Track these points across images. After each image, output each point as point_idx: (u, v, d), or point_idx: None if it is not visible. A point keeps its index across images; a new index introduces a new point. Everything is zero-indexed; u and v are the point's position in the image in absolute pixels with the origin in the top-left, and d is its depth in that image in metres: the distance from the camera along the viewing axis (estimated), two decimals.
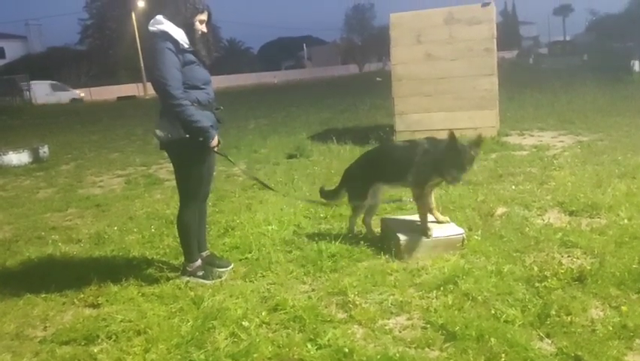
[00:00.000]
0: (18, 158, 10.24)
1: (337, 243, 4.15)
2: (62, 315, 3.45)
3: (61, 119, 23.21)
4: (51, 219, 6.03)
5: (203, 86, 3.63)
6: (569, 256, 3.75)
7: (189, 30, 3.56)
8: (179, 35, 3.50)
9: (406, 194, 5.46)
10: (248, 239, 4.51)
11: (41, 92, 37.94)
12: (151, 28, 3.53)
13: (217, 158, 3.94)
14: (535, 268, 3.48)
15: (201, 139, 3.52)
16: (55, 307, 3.55)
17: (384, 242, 4.17)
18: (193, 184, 3.76)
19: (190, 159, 3.66)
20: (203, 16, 3.63)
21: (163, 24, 3.49)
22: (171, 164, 3.87)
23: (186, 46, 3.52)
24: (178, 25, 3.51)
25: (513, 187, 5.66)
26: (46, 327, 3.32)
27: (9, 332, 3.27)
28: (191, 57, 3.55)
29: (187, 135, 3.49)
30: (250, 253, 4.20)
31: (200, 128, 3.49)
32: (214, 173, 3.92)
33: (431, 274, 3.56)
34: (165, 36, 3.46)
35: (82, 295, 3.63)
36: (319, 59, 72.28)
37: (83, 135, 15.31)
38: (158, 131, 3.58)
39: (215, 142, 3.61)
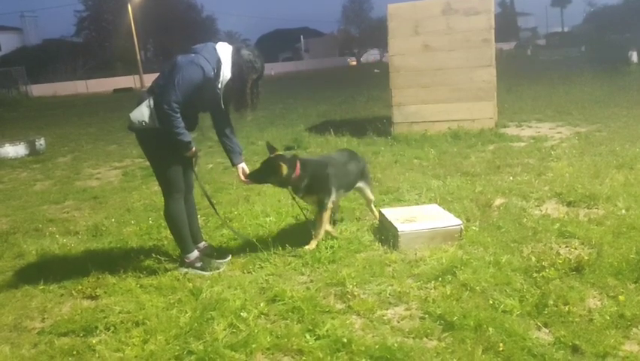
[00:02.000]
0: (15, 150, 10.22)
1: (335, 234, 4.15)
2: (60, 307, 3.45)
3: (57, 111, 23.12)
4: (48, 211, 6.02)
5: (188, 118, 3.64)
6: (566, 247, 3.76)
7: (241, 82, 3.59)
8: (226, 73, 3.56)
9: (405, 186, 5.47)
10: (246, 230, 4.51)
11: None
12: (218, 47, 3.58)
13: (201, 150, 3.94)
14: (533, 259, 3.49)
15: (180, 148, 3.59)
16: (53, 299, 3.55)
17: (382, 233, 4.18)
18: (171, 175, 3.73)
19: (162, 149, 3.63)
20: (254, 76, 3.67)
21: (223, 55, 3.56)
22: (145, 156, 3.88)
23: (219, 86, 3.58)
24: (232, 69, 3.57)
25: (511, 178, 5.66)
26: (44, 319, 3.32)
27: (7, 324, 3.27)
28: (210, 95, 3.59)
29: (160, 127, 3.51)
30: (248, 244, 4.20)
31: (181, 141, 3.53)
32: (196, 164, 3.91)
33: (429, 265, 3.56)
34: (216, 63, 3.51)
35: (80, 287, 3.63)
36: (317, 50, 72.06)
37: (79, 127, 15.26)
38: (133, 117, 3.57)
39: (192, 152, 3.67)
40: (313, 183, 4.00)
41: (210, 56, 3.51)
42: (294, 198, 4.19)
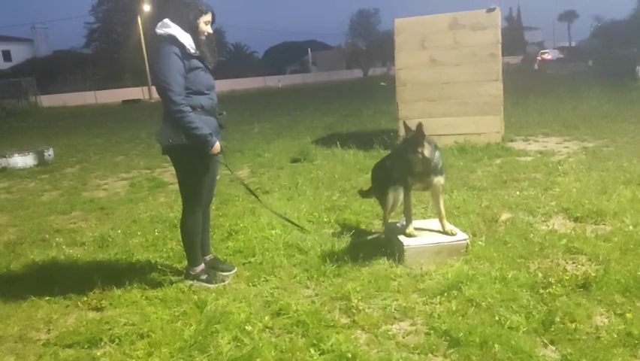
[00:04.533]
0: (23, 160, 10.28)
1: (341, 247, 4.15)
2: (66, 318, 3.46)
3: (66, 122, 23.31)
4: (55, 221, 6.04)
5: (207, 92, 3.62)
6: (573, 263, 3.74)
7: (194, 32, 3.55)
8: (186, 40, 3.50)
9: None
10: (251, 243, 4.51)
11: None
12: (158, 31, 3.53)
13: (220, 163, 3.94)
14: (540, 275, 3.47)
15: (201, 146, 3.52)
16: (58, 310, 3.55)
17: (387, 247, 4.17)
18: (196, 190, 3.75)
19: (191, 164, 3.65)
20: (207, 17, 3.62)
21: (170, 27, 3.49)
22: (174, 168, 3.87)
23: (192, 51, 3.52)
24: (184, 28, 3.51)
25: (517, 193, 5.64)
26: (49, 330, 3.32)
27: (12, 335, 3.27)
28: (196, 62, 3.55)
29: (187, 141, 3.49)
30: (254, 257, 4.20)
31: (199, 135, 3.47)
32: (217, 177, 3.92)
33: (435, 280, 3.55)
34: (172, 40, 3.46)
35: (85, 298, 3.63)
36: (324, 63, 72.42)
37: (87, 138, 15.36)
38: (159, 136, 3.59)
39: (216, 149, 3.57)
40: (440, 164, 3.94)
41: (166, 35, 3.47)
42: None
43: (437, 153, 3.92)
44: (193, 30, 3.55)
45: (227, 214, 5.57)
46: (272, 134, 12.62)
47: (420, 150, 3.80)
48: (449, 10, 8.98)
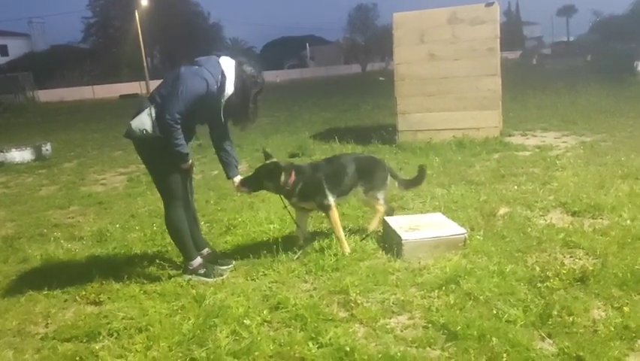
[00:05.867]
0: (21, 155, 10.27)
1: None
2: (64, 312, 3.46)
3: (64, 117, 23.26)
4: (53, 216, 6.04)
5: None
6: (571, 257, 3.75)
7: (245, 96, 3.66)
8: (229, 88, 3.61)
9: (409, 194, 5.46)
10: (250, 237, 4.51)
11: None
12: (222, 60, 3.62)
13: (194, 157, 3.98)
14: (538, 269, 3.48)
15: (177, 159, 3.62)
16: (57, 305, 3.56)
17: (385, 241, 4.17)
18: (170, 182, 3.76)
19: (162, 157, 3.66)
20: (256, 90, 3.73)
21: (227, 72, 3.60)
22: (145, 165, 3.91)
23: (221, 102, 3.64)
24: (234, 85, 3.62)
25: (515, 187, 5.65)
26: (47, 324, 3.32)
27: (11, 329, 3.28)
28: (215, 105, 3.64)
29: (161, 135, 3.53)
30: (252, 251, 4.20)
31: (180, 153, 3.57)
32: (194, 170, 3.95)
33: (433, 274, 3.55)
34: (220, 79, 3.56)
35: (84, 293, 3.64)
36: (322, 58, 72.24)
37: (85, 133, 15.34)
38: (134, 125, 3.59)
39: (188, 165, 3.71)
40: (307, 189, 4.04)
41: (214, 70, 3.55)
42: (285, 207, 4.24)
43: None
44: (244, 94, 3.66)
45: (225, 209, 5.57)
46: (270, 130, 12.61)
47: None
48: (448, 5, 8.97)
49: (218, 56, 3.68)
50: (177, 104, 3.42)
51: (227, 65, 3.63)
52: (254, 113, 3.77)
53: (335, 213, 4.10)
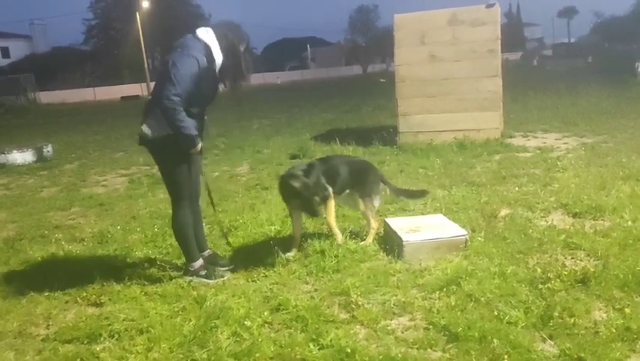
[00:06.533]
0: (22, 157, 10.28)
1: (340, 243, 4.14)
2: (65, 313, 3.46)
3: (65, 118, 23.28)
4: (54, 217, 6.04)
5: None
6: (572, 258, 3.74)
7: (235, 55, 3.63)
8: (218, 56, 3.57)
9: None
10: (251, 239, 4.51)
11: None
12: (199, 34, 3.57)
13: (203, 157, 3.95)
14: (539, 270, 3.47)
15: (185, 144, 3.56)
16: (58, 306, 3.55)
17: (386, 243, 4.17)
18: (181, 184, 3.75)
19: (174, 157, 3.65)
20: (245, 45, 3.72)
21: (209, 42, 3.55)
22: (156, 164, 3.89)
23: (216, 72, 3.60)
24: (223, 50, 3.59)
25: (516, 189, 5.65)
26: (49, 325, 3.32)
27: (12, 330, 3.28)
28: (211, 72, 3.60)
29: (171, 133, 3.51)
30: (253, 252, 4.20)
31: (186, 135, 3.50)
32: (202, 170, 3.94)
33: (434, 275, 3.55)
34: (206, 51, 3.52)
35: (85, 294, 3.64)
36: (323, 59, 72.26)
37: (86, 135, 15.35)
38: (145, 128, 3.59)
39: (197, 149, 3.65)
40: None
41: (198, 45, 3.52)
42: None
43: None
44: (234, 54, 3.63)
45: (226, 210, 5.57)
46: (271, 131, 12.61)
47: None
48: (448, 6, 8.97)
49: (193, 33, 3.62)
50: (173, 87, 3.38)
51: (206, 35, 3.58)
52: (247, 69, 3.76)
53: (331, 202, 4.16)
